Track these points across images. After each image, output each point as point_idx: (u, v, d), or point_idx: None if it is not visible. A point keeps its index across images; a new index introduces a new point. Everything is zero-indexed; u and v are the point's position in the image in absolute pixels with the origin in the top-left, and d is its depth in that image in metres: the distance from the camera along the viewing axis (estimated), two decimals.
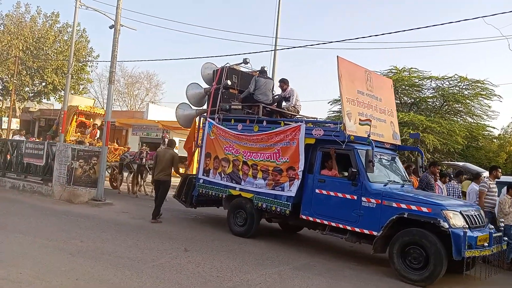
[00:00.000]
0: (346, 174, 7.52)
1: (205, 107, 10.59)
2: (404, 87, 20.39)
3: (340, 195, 7.40)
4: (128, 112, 33.08)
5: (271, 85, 9.90)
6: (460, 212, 6.47)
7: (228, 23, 66.06)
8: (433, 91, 20.82)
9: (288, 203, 7.90)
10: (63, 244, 6.73)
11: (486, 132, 20.52)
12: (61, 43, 29.22)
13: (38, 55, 28.47)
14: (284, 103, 10.10)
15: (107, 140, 12.03)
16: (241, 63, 10.61)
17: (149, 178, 14.71)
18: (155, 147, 18.04)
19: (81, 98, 20.68)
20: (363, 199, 7.05)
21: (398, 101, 21.42)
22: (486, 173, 10.54)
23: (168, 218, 10.19)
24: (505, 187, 8.46)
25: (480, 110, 20.49)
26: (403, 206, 6.63)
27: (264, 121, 8.85)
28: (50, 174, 12.54)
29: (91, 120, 16.96)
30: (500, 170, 8.97)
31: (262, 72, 9.89)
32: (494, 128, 21.31)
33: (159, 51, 65.98)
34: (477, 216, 6.79)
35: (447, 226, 6.15)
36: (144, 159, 13.86)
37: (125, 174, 15.39)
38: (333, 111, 22.20)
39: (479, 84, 19.76)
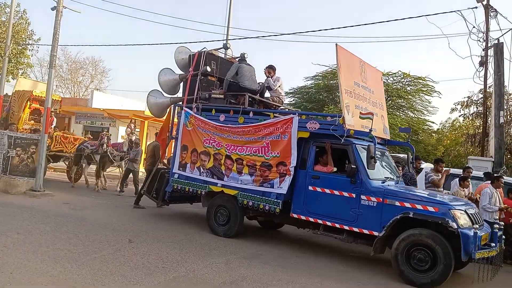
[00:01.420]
0: (341, 170, 6.92)
1: (179, 95, 9.62)
2: None
3: (336, 192, 6.76)
4: (71, 99, 31.51)
5: (254, 72, 8.93)
6: (465, 211, 6.01)
7: (179, 9, 64.64)
8: None
9: (278, 200, 7.15)
10: None
11: (425, 127, 21.19)
12: None
13: None
14: (267, 93, 9.14)
15: (47, 127, 11.34)
16: (221, 48, 9.83)
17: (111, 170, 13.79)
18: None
19: (35, 83, 18.42)
20: (363, 197, 6.47)
21: None
22: (424, 164, 11.08)
23: (112, 210, 9.66)
24: (456, 179, 8.33)
25: (421, 106, 21.23)
26: (407, 205, 6.11)
27: (251, 112, 7.95)
28: None
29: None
30: (443, 164, 8.79)
31: (243, 59, 8.85)
32: (433, 123, 21.99)
33: (106, 36, 63.48)
34: (477, 215, 6.35)
35: (456, 227, 5.65)
36: (105, 146, 12.61)
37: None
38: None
39: (420, 81, 20.45)
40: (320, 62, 46.66)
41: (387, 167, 7.46)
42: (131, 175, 12.55)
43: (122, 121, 24.33)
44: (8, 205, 8.95)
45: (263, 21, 63.48)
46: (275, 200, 7.22)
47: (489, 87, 16.11)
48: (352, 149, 6.77)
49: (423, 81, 20.22)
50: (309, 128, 7.12)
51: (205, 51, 9.17)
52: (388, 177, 7.04)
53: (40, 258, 5.42)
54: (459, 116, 22.05)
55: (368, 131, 6.75)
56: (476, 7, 13.82)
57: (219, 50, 9.80)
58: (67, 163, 14.69)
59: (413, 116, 21.18)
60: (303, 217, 7.11)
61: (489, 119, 16.68)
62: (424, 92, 20.46)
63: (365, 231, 6.44)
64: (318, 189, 6.98)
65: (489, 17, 15.40)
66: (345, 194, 6.68)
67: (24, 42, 27.64)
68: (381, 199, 6.34)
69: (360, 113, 7.06)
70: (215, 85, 9.11)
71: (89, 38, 63.69)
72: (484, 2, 14.31)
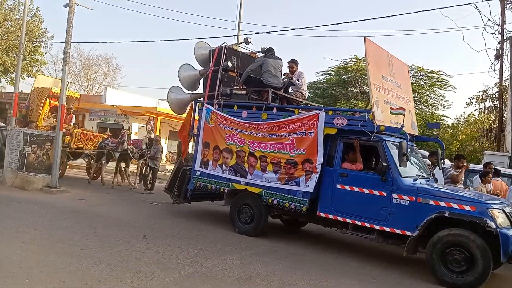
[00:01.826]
0: (367, 168, 6.66)
1: (199, 91, 9.41)
2: (364, 76, 20.69)
3: (366, 191, 6.48)
4: (85, 96, 31.83)
5: (280, 65, 8.48)
6: (503, 210, 5.71)
7: (191, 6, 64.69)
8: None
9: (305, 199, 6.91)
10: (15, 233, 6.18)
11: (440, 121, 21.19)
12: (12, 22, 27.16)
13: None
14: (291, 88, 8.85)
15: (62, 124, 11.44)
16: (242, 42, 9.39)
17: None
18: (114, 132, 17.50)
19: (54, 80, 17.76)
20: (394, 195, 6.20)
21: (358, 90, 21.84)
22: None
23: (126, 206, 9.67)
24: (477, 175, 8.09)
25: (435, 100, 20.87)
26: (442, 204, 5.82)
27: (274, 108, 7.71)
28: (1, 160, 11.84)
29: (65, 104, 15.85)
30: (464, 160, 8.43)
31: (270, 51, 8.45)
32: (448, 117, 21.71)
33: (118, 33, 63.76)
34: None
35: (494, 226, 5.34)
36: (125, 144, 12.35)
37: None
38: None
39: (434, 75, 20.02)
40: (332, 57, 46.37)
41: (417, 164, 7.15)
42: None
43: (135, 117, 24.46)
44: (25, 201, 8.95)
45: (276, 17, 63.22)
46: (301, 199, 6.98)
47: (505, 80, 15.90)
48: (382, 145, 6.50)
49: (437, 75, 19.86)
50: (336, 124, 6.85)
51: (225, 46, 8.86)
52: (419, 175, 6.77)
53: (57, 254, 5.42)
54: (474, 110, 21.75)
55: (399, 127, 6.45)
56: None
57: (239, 45, 9.46)
58: (86, 160, 14.61)
59: (427, 110, 20.83)
60: (330, 216, 6.85)
61: (505, 113, 16.46)
62: (438, 86, 20.10)
63: (397, 231, 6.16)
64: (347, 187, 6.72)
65: (505, 9, 15.15)
66: (376, 192, 6.41)
67: (37, 40, 27.91)
68: (414, 198, 6.07)
69: (391, 108, 6.78)
70: (235, 81, 8.83)
71: (102, 35, 64.17)
72: None
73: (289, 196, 7.16)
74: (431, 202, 5.94)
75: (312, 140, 6.97)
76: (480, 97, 18.84)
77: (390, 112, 6.73)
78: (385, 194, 6.32)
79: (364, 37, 6.72)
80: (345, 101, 19.78)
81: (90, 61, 42.00)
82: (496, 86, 16.88)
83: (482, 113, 20.10)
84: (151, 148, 12.40)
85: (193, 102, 9.41)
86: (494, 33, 14.85)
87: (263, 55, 8.54)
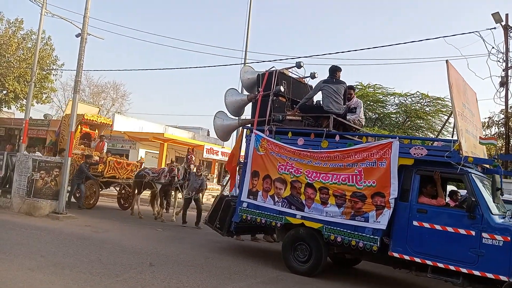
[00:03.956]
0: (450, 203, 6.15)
1: (246, 117, 9.06)
2: (369, 102, 20.73)
3: (450, 229, 5.88)
4: None
5: (342, 90, 7.82)
6: None
7: (198, 36, 66.10)
8: (396, 107, 20.78)
9: (376, 237, 6.26)
10: (22, 259, 6.22)
11: None
12: (24, 50, 27.87)
13: (0, 62, 27.46)
14: (349, 115, 8.25)
15: (71, 150, 11.62)
16: (293, 67, 8.96)
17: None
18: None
19: (84, 105, 16.93)
20: (484, 235, 5.62)
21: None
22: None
23: (132, 233, 9.71)
24: None
25: (440, 126, 21.26)
26: None
27: (337, 135, 7.20)
28: (9, 185, 11.92)
29: (96, 131, 14.91)
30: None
31: (333, 74, 7.88)
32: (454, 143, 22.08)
33: (127, 60, 65.02)
34: None
35: None
36: (176, 178, 11.82)
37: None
38: None
39: (439, 101, 20.19)
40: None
41: (494, 199, 6.44)
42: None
43: (142, 143, 24.65)
44: (32, 227, 9.03)
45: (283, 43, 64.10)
46: (371, 237, 6.33)
47: (511, 107, 15.95)
48: (468, 178, 5.95)
49: (442, 101, 20.01)
50: (414, 154, 6.27)
51: (276, 70, 8.51)
52: (505, 212, 6.29)
53: (63, 281, 5.45)
54: None
55: (489, 158, 6.02)
56: (495, 28, 13.76)
57: (290, 70, 9.09)
58: (118, 189, 14.12)
59: (433, 137, 20.91)
60: (406, 257, 6.19)
61: (511, 140, 16.44)
62: (444, 113, 20.19)
63: (489, 275, 5.55)
64: (426, 225, 6.09)
65: (508, 37, 15.34)
66: (462, 231, 5.80)
67: (48, 68, 28.49)
68: (509, 238, 5.49)
69: (480, 137, 6.38)
70: (286, 106, 8.44)
71: (111, 61, 65.34)
72: (503, 23, 14.25)
73: (356, 233, 6.50)
74: None
75: (385, 171, 6.37)
76: (486, 124, 18.83)
77: (480, 142, 6.30)
78: (473, 233, 5.74)
79: (446, 60, 6.27)
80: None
81: (99, 88, 42.62)
82: (502, 112, 16.91)
83: None
84: (197, 180, 11.72)
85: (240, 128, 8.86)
86: (498, 61, 15.02)
87: (323, 80, 8.03)
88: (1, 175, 12.27)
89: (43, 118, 29.26)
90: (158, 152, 24.63)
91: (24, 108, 24.00)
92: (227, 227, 8.34)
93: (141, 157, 14.05)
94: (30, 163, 11.07)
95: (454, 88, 6.21)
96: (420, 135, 20.89)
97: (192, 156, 12.29)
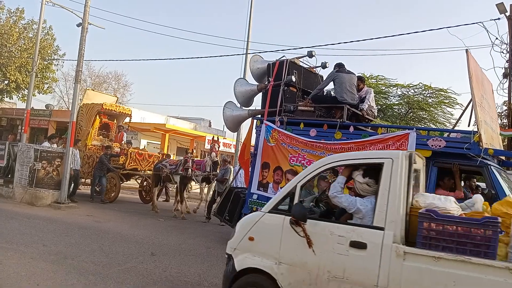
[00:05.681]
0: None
1: (252, 107, 8.95)
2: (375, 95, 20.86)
3: None
4: None
5: (354, 80, 7.73)
6: None
7: (200, 25, 65.85)
8: (399, 98, 20.80)
9: None
10: (24, 248, 6.30)
11: None
12: (25, 40, 27.86)
13: (1, 52, 27.22)
14: (360, 105, 8.05)
15: (72, 141, 11.59)
16: (304, 56, 8.72)
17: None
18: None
19: (101, 95, 16.22)
20: None
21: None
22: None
23: (133, 222, 9.73)
24: None
25: (443, 118, 20.99)
26: None
27: (351, 126, 7.09)
28: (12, 175, 12.02)
29: (115, 121, 14.48)
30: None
31: (341, 66, 7.78)
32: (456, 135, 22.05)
33: (128, 51, 64.84)
34: None
35: None
36: (189, 170, 11.07)
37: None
38: None
39: (442, 93, 20.14)
40: None
41: None
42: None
43: (144, 133, 24.67)
44: (34, 217, 9.09)
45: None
46: None
47: None
48: (488, 171, 5.81)
49: (445, 93, 19.95)
50: (432, 146, 6.15)
51: (286, 59, 8.27)
52: None
53: (65, 270, 5.49)
54: None
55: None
56: (499, 18, 13.61)
57: (301, 59, 8.82)
58: (139, 181, 13.66)
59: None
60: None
61: None
62: (446, 104, 20.15)
63: None
64: None
65: None
66: None
67: (49, 57, 28.43)
68: None
69: (501, 129, 6.22)
70: (297, 96, 8.25)
71: (112, 51, 65.16)
72: (508, 14, 14.13)
73: None
74: None
75: None
76: None
77: (500, 134, 6.10)
78: None
79: (466, 50, 6.11)
80: None
81: (100, 78, 42.52)
82: (505, 104, 16.82)
83: None
84: (220, 169, 11.39)
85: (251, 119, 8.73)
86: (502, 52, 14.88)
87: (335, 69, 7.84)
88: (3, 165, 12.31)
89: (44, 108, 29.25)
90: (159, 142, 24.68)
91: (25, 98, 24.00)
92: (237, 219, 8.19)
93: (190, 153, 13.21)
94: (32, 153, 11.12)
95: (474, 78, 6.03)
96: (423, 126, 20.87)
97: (215, 149, 11.60)
